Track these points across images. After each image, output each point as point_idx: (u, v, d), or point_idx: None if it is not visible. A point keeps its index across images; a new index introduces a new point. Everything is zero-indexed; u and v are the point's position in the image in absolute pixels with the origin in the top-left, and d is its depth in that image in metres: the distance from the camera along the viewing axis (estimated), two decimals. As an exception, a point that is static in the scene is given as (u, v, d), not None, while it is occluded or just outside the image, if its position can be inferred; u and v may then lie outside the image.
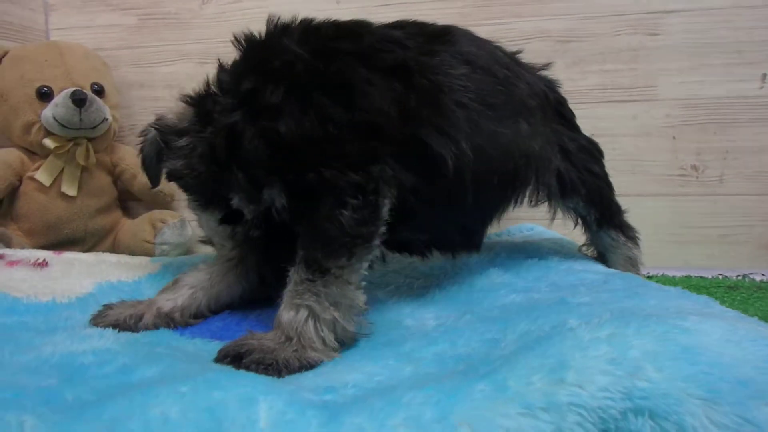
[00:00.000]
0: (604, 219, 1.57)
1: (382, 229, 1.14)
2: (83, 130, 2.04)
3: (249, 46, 1.28)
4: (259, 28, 1.25)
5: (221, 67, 1.28)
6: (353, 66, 1.20)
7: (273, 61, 1.20)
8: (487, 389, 0.73)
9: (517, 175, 1.37)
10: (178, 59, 2.38)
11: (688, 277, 1.95)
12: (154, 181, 1.36)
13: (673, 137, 2.06)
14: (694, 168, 2.07)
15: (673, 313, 0.88)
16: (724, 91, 2.01)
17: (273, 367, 0.95)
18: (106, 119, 2.08)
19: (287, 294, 1.08)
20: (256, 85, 1.17)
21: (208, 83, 1.27)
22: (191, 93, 1.29)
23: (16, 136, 2.05)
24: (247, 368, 0.94)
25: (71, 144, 2.04)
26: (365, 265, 1.13)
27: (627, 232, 1.62)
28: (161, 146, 1.28)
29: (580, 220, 1.60)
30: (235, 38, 1.27)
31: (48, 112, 1.99)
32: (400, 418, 0.69)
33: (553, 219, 1.56)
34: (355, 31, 1.28)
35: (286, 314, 1.06)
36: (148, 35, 2.40)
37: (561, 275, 1.37)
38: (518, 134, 1.35)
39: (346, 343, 1.08)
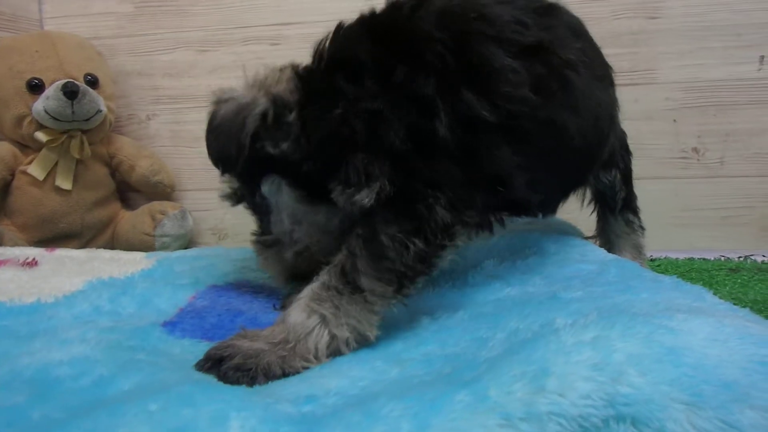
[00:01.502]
0: (627, 200, 1.61)
1: (423, 280, 1.07)
2: (76, 123, 2.03)
3: (382, 28, 1.19)
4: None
5: (344, 47, 1.18)
6: (495, 53, 1.14)
7: (420, 48, 1.13)
8: (467, 399, 0.71)
9: (608, 137, 1.45)
10: (177, 47, 2.37)
11: (691, 259, 1.99)
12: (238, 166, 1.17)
13: (674, 120, 2.09)
14: (695, 150, 2.08)
15: (661, 310, 0.87)
16: (723, 73, 2.03)
17: (250, 373, 0.90)
18: (101, 110, 2.07)
19: (306, 292, 1.01)
20: (407, 75, 1.10)
21: (320, 56, 1.19)
22: (299, 67, 1.20)
23: (8, 129, 2.05)
24: (225, 374, 0.89)
25: (65, 137, 2.03)
26: (392, 303, 1.03)
27: (640, 219, 1.66)
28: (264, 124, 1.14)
29: (600, 203, 1.65)
30: (361, 15, 1.20)
31: (39, 105, 1.98)
32: (377, 433, 0.67)
33: (583, 201, 1.62)
34: (484, 12, 1.19)
35: (295, 315, 0.99)
36: (145, 23, 2.38)
37: (557, 266, 1.36)
38: (611, 100, 1.43)
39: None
